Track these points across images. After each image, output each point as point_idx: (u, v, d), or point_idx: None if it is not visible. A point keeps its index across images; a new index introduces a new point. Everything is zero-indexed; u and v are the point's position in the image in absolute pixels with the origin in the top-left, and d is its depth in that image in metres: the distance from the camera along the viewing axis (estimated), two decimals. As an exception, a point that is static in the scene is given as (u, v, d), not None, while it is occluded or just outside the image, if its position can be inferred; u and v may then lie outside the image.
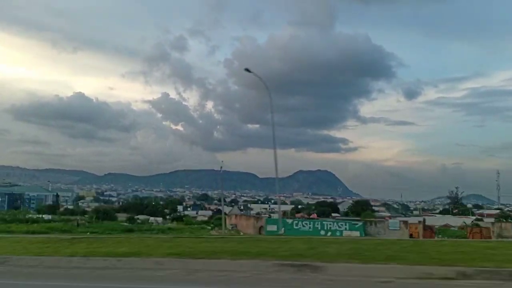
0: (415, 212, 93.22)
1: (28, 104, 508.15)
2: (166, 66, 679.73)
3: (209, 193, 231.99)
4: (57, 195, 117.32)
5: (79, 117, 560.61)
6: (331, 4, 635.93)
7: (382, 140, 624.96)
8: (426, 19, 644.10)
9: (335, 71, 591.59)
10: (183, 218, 58.82)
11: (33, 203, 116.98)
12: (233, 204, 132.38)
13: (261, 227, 38.15)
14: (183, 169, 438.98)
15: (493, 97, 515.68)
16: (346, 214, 78.60)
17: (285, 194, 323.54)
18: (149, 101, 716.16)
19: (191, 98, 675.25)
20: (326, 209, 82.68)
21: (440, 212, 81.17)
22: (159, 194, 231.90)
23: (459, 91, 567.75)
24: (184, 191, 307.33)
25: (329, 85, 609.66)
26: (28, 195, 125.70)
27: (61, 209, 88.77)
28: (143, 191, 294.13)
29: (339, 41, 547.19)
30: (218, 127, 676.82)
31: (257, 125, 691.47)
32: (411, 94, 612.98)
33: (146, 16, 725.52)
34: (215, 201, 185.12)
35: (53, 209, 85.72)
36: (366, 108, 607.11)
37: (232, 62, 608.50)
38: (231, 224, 44.31)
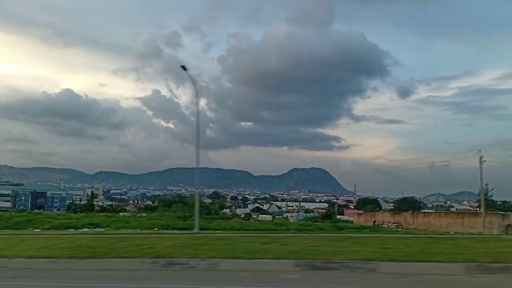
0: (452, 209, 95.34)
1: (15, 101, 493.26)
2: (159, 62, 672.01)
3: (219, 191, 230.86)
4: (92, 194, 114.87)
5: (67, 114, 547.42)
6: (331, 2, 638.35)
7: (373, 138, 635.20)
8: (421, 18, 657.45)
9: (331, 68, 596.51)
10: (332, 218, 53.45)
11: (56, 202, 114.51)
12: (268, 202, 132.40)
13: (508, 226, 35.74)
14: (175, 167, 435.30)
15: (481, 95, 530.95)
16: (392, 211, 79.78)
17: (281, 192, 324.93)
18: (140, 98, 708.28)
19: (183, 96, 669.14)
20: (370, 207, 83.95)
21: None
22: (156, 192, 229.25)
23: (449, 90, 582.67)
24: (180, 190, 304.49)
25: (324, 82, 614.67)
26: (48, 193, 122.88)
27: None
28: (138, 189, 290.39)
29: (336, 39, 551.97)
30: (211, 125, 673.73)
31: (250, 123, 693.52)
32: (404, 92, 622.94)
33: (141, 11, 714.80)
34: (227, 199, 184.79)
35: (90, 207, 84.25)
36: (359, 106, 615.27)
37: (227, 59, 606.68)
38: (394, 222, 41.87)
